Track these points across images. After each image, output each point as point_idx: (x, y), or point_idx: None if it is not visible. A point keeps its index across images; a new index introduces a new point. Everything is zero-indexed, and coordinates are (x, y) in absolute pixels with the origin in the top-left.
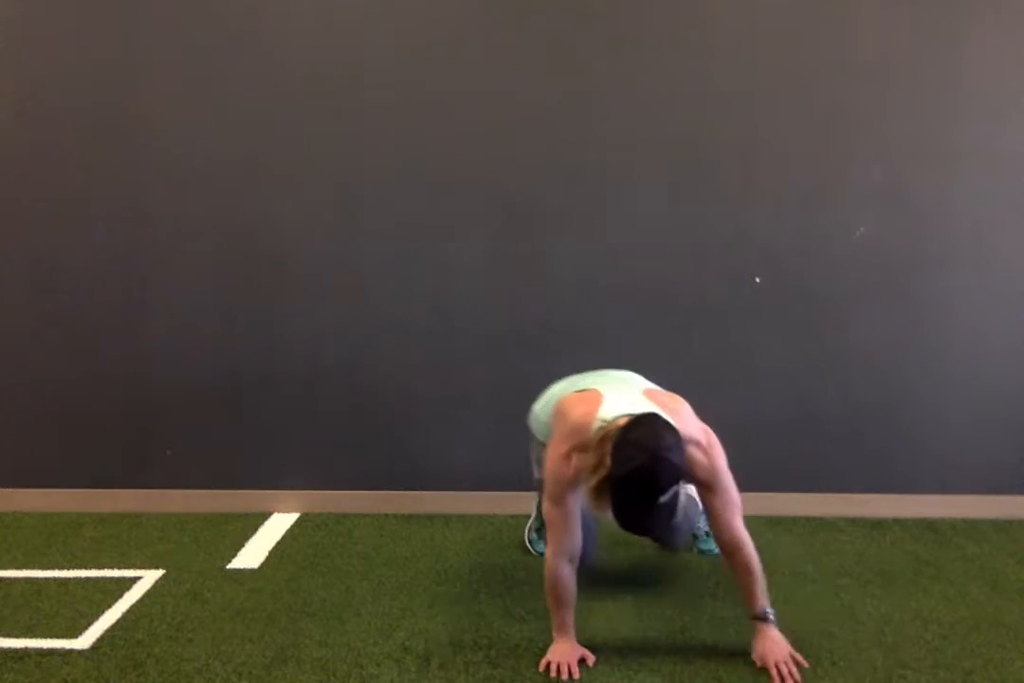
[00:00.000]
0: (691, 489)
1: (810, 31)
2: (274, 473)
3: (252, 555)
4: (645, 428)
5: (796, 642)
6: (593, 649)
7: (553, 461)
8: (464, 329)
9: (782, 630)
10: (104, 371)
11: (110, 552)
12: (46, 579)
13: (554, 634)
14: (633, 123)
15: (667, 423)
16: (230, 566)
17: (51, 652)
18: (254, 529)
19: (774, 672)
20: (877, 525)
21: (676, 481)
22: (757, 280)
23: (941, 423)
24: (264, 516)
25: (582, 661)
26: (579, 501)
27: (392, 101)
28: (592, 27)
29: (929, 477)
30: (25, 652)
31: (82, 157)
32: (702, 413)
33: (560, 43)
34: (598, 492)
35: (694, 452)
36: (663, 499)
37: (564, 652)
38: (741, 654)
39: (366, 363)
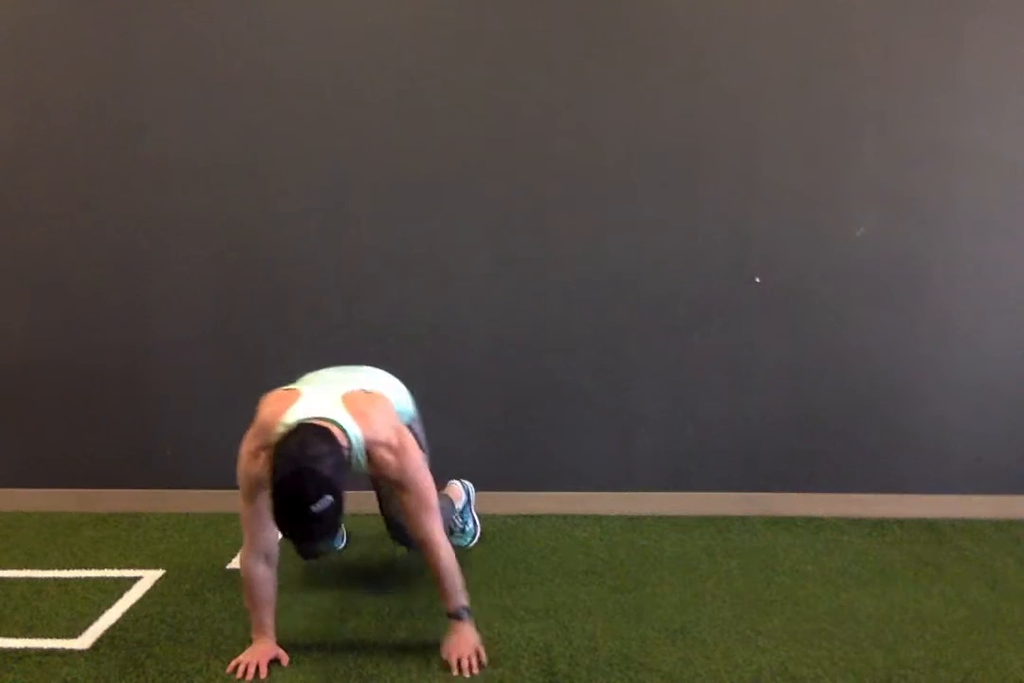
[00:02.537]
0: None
1: (810, 31)
2: None
3: None
4: (294, 440)
5: (797, 642)
6: (594, 649)
7: (242, 457)
8: (464, 329)
9: (781, 629)
10: (104, 371)
11: (110, 552)
12: (46, 579)
13: (252, 635)
14: (633, 124)
15: (321, 433)
16: (230, 566)
17: (51, 652)
18: None
19: (454, 664)
20: (877, 525)
21: (328, 490)
22: (757, 280)
23: (941, 423)
24: None
25: (276, 661)
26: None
27: (390, 103)
28: (592, 28)
29: (929, 477)
30: (25, 652)
31: (82, 158)
32: (703, 413)
33: (559, 44)
34: None
35: (383, 454)
36: (315, 508)
37: (256, 652)
38: (741, 654)
39: (365, 362)
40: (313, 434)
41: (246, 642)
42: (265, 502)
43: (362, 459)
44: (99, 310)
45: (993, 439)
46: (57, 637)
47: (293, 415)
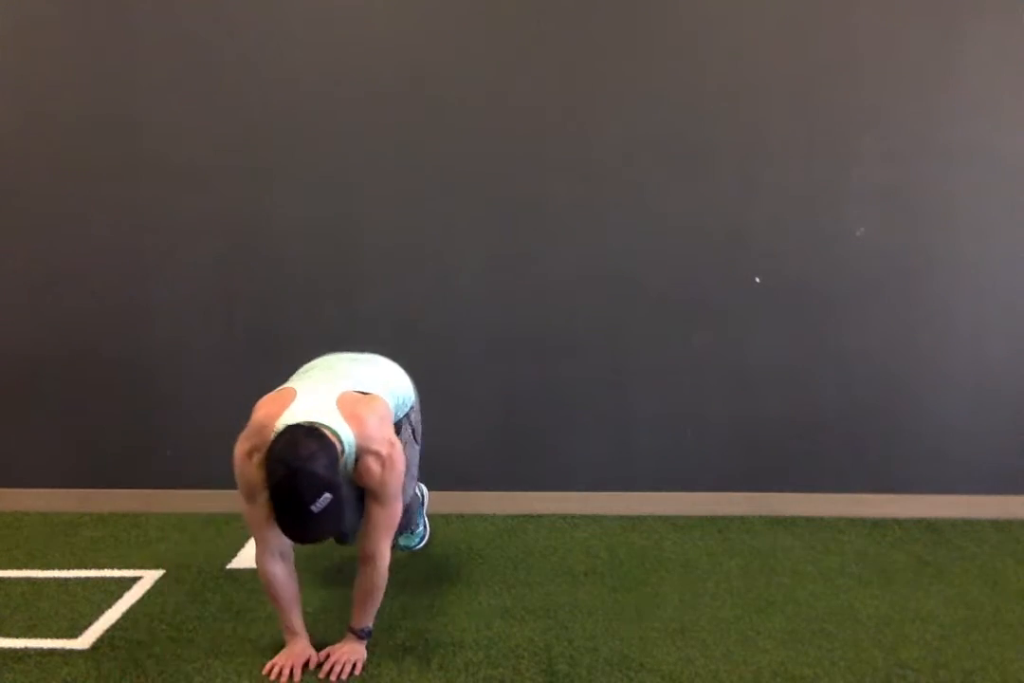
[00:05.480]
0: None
1: (810, 31)
2: None
3: (252, 555)
4: (285, 441)
5: (797, 642)
6: (594, 649)
7: (237, 459)
8: (464, 329)
9: (781, 629)
10: (104, 371)
11: (110, 552)
12: (46, 579)
13: (284, 637)
14: (633, 123)
15: (312, 432)
16: (230, 566)
17: (51, 652)
18: None
19: (328, 664)
20: (877, 525)
21: (325, 488)
22: (757, 280)
23: (941, 423)
24: None
25: (307, 664)
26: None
27: (392, 103)
28: (592, 28)
29: (929, 477)
30: (25, 652)
31: (83, 159)
32: (703, 413)
33: (559, 44)
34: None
35: (371, 462)
36: (315, 508)
37: (291, 654)
38: (741, 654)
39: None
40: (303, 434)
41: (246, 642)
42: (267, 502)
43: (350, 464)
44: (99, 310)
45: (993, 439)
46: (57, 637)
47: (289, 417)
